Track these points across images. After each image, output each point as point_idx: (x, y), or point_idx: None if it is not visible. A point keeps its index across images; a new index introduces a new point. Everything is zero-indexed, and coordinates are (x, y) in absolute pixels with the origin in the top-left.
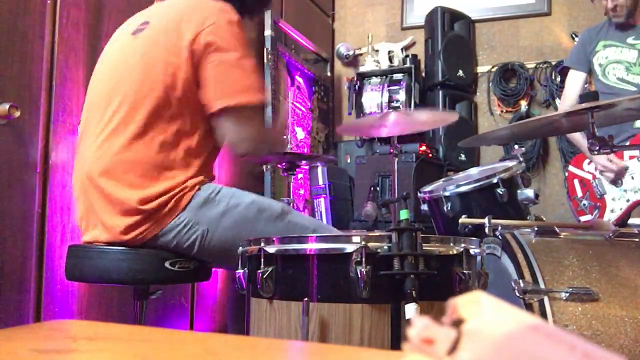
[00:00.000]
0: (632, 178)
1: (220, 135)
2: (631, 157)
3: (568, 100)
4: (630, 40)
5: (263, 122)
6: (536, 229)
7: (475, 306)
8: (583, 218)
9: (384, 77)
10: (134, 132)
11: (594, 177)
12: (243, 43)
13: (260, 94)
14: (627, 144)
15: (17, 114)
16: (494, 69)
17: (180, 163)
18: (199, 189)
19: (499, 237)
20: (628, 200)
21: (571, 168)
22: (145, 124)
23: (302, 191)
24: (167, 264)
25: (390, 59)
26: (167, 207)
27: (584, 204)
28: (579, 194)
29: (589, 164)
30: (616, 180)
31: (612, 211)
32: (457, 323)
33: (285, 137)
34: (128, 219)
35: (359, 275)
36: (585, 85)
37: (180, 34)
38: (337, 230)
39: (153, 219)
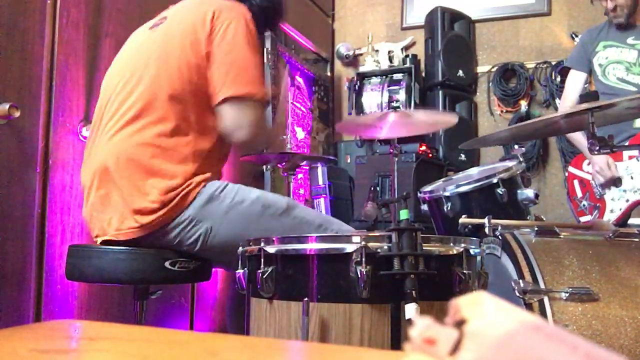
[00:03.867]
0: (632, 178)
1: (221, 124)
2: (630, 157)
3: (568, 101)
4: (630, 40)
5: (263, 116)
6: (536, 229)
7: (477, 306)
8: (583, 219)
9: (384, 77)
10: (148, 124)
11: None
12: (251, 40)
13: (263, 89)
14: (627, 144)
15: (17, 114)
16: (494, 69)
17: (188, 157)
18: (204, 185)
19: (499, 237)
20: (627, 200)
21: (571, 169)
22: (160, 117)
23: (302, 191)
24: (167, 264)
25: (390, 59)
26: (173, 202)
27: (584, 205)
28: (579, 194)
29: (588, 164)
30: (605, 187)
31: (611, 211)
32: (459, 323)
33: (284, 137)
34: (150, 204)
35: (359, 275)
36: (585, 86)
37: (195, 29)
38: (342, 223)
39: (166, 208)
